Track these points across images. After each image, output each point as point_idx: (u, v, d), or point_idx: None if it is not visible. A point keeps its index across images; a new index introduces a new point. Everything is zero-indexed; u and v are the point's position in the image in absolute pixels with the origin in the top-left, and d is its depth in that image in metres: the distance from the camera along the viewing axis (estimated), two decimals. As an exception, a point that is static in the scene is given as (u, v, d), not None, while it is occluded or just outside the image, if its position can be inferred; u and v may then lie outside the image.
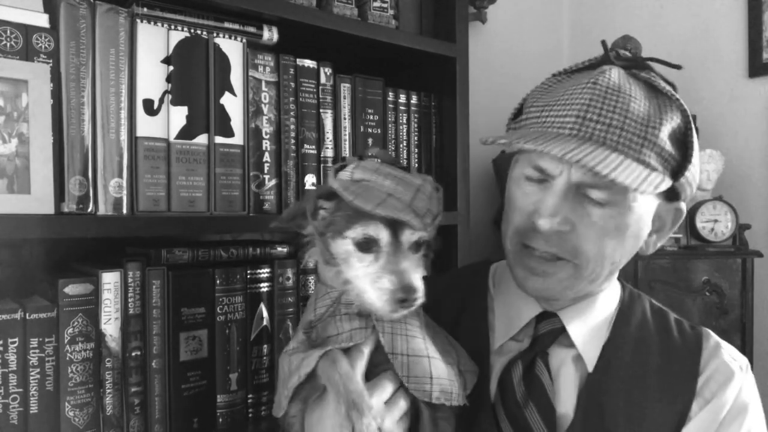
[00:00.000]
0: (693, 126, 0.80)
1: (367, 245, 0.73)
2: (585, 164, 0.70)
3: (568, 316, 0.85)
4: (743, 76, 1.96)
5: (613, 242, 0.78)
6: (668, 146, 0.76)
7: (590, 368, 0.83)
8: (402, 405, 0.74)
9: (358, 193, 0.72)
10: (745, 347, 1.69)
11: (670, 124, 0.77)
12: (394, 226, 0.72)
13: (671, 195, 0.82)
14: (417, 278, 0.72)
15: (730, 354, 0.84)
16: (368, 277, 0.73)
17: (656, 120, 0.76)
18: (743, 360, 0.84)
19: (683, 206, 0.85)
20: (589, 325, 0.85)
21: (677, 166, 0.78)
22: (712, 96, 2.03)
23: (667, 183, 0.75)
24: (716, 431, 0.79)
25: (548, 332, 0.85)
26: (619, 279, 0.93)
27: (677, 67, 0.84)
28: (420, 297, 0.71)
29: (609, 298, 0.89)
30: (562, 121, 0.76)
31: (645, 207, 0.80)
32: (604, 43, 0.85)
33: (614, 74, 0.78)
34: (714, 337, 0.86)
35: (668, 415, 0.79)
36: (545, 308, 0.86)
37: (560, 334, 0.85)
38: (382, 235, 0.72)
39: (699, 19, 2.06)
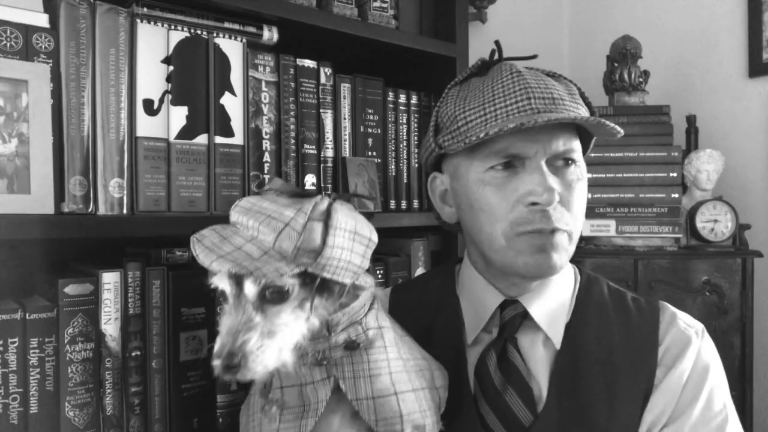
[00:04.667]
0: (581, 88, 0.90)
1: (223, 296, 0.68)
2: (573, 119, 0.78)
3: (527, 299, 0.89)
4: (743, 76, 1.96)
5: (583, 200, 0.86)
6: (584, 106, 0.87)
7: (557, 346, 0.87)
8: None
9: (208, 245, 0.66)
10: (745, 347, 1.69)
11: (576, 88, 0.88)
12: (240, 276, 0.65)
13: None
14: (245, 340, 0.63)
15: (685, 322, 0.89)
16: None
17: (570, 88, 0.86)
18: (698, 325, 0.89)
19: None
20: (549, 305, 0.89)
21: None
22: (712, 96, 2.03)
23: (619, 129, 0.84)
24: (681, 394, 0.83)
25: (512, 317, 0.89)
26: (576, 265, 0.97)
27: (533, 57, 0.94)
28: (242, 366, 0.63)
29: (564, 279, 0.92)
30: (516, 107, 0.81)
31: (584, 167, 0.89)
32: (497, 42, 0.93)
33: (517, 65, 0.88)
34: (670, 308, 0.91)
35: (636, 388, 0.83)
36: (506, 296, 0.90)
37: (524, 318, 0.89)
38: (226, 286, 0.67)
39: (699, 19, 2.06)
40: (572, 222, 0.83)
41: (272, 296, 0.65)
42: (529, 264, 0.83)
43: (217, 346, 0.64)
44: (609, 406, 0.82)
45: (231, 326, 0.65)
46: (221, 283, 0.67)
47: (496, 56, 0.92)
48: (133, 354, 0.98)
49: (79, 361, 0.93)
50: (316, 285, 0.67)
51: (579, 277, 0.95)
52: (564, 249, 0.84)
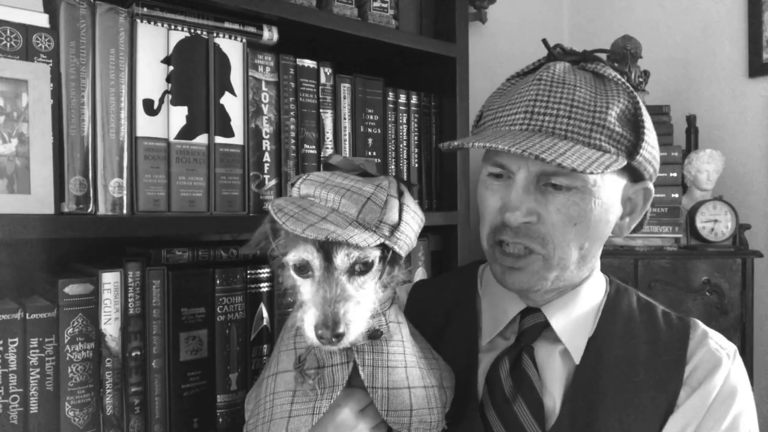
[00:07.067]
0: (642, 106, 0.82)
1: (304, 269, 0.70)
2: (530, 154, 0.72)
3: (550, 311, 0.87)
4: (743, 76, 1.96)
5: (578, 228, 0.80)
6: (618, 127, 0.79)
7: (577, 361, 0.84)
8: (374, 415, 0.76)
9: (292, 214, 0.68)
10: (745, 347, 1.69)
11: (618, 107, 0.80)
12: (328, 248, 0.67)
13: (635, 175, 0.84)
14: (346, 308, 0.67)
15: (717, 342, 0.85)
16: (305, 306, 0.69)
17: (602, 104, 0.79)
18: (731, 347, 0.85)
19: (650, 185, 0.88)
20: (572, 319, 0.86)
21: (632, 146, 0.80)
22: (712, 96, 2.02)
23: (621, 162, 0.78)
24: (704, 417, 0.79)
25: (532, 327, 0.87)
26: (606, 274, 0.95)
27: (608, 51, 0.91)
28: (347, 332, 0.66)
29: (592, 291, 0.90)
30: (513, 119, 0.80)
31: (610, 190, 0.82)
32: (545, 41, 0.89)
33: (558, 68, 0.83)
34: (701, 326, 0.87)
35: (656, 405, 0.81)
36: (528, 304, 0.88)
37: (544, 329, 0.87)
38: (313, 258, 0.68)
39: (699, 19, 2.06)
40: (549, 247, 0.80)
41: (360, 268, 0.69)
42: (498, 276, 0.85)
43: (319, 316, 0.66)
44: (626, 424, 0.79)
45: (329, 297, 0.67)
46: (307, 254, 0.68)
47: (551, 56, 0.88)
48: (133, 354, 0.98)
49: (79, 361, 0.93)
50: (389, 258, 0.72)
51: (608, 288, 0.92)
52: (536, 272, 0.81)
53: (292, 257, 0.70)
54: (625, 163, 0.79)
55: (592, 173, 0.74)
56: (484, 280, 0.98)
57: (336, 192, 0.70)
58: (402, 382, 0.75)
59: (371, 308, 0.71)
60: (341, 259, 0.68)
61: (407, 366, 0.76)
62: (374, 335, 0.75)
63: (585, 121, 0.78)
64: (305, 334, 0.68)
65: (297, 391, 0.74)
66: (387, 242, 0.70)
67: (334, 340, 0.66)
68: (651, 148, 0.83)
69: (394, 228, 0.71)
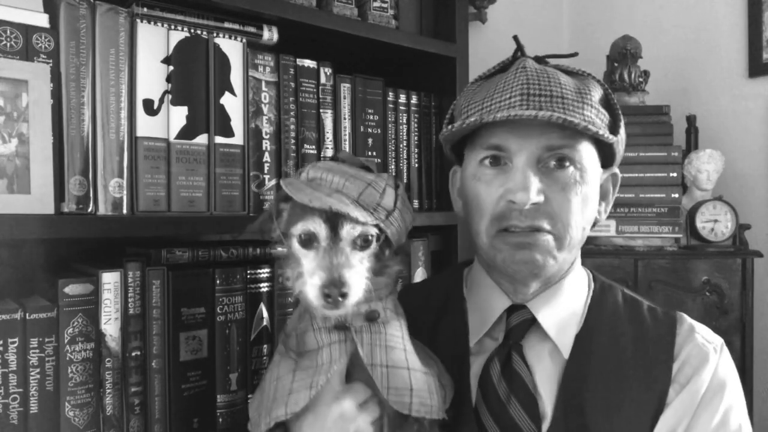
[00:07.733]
0: (611, 92, 0.87)
1: (308, 241, 0.74)
2: (558, 117, 0.75)
3: (536, 306, 0.87)
4: (743, 76, 1.96)
5: (580, 205, 0.82)
6: (601, 108, 0.84)
7: (566, 356, 0.84)
8: (374, 408, 0.76)
9: (300, 188, 0.74)
10: (745, 347, 1.69)
11: (596, 91, 0.84)
12: (335, 221, 0.72)
13: (604, 161, 0.88)
14: (350, 274, 0.71)
15: (703, 337, 0.85)
16: (307, 274, 0.73)
17: (584, 88, 0.83)
18: (717, 340, 0.85)
19: (617, 171, 0.92)
20: (558, 313, 0.86)
21: (611, 125, 0.85)
22: (712, 96, 2.03)
23: (611, 137, 0.82)
24: (694, 413, 0.79)
25: (519, 323, 0.87)
26: (591, 272, 0.95)
27: (573, 55, 0.94)
28: (350, 294, 0.70)
29: (576, 285, 0.90)
30: (508, 103, 0.81)
31: (594, 172, 0.85)
32: (515, 38, 0.92)
33: (533, 62, 0.86)
34: (687, 320, 0.87)
35: (646, 403, 0.80)
36: (514, 301, 0.88)
37: (531, 325, 0.87)
38: (320, 229, 0.72)
39: (699, 19, 2.06)
40: (559, 225, 0.81)
41: (361, 243, 0.74)
42: (507, 260, 0.83)
43: (325, 277, 0.71)
44: (618, 423, 0.79)
45: (334, 263, 0.71)
46: (315, 225, 0.73)
47: (519, 53, 0.91)
48: (133, 354, 0.98)
49: (79, 361, 0.93)
50: (382, 240, 0.76)
51: (593, 285, 0.92)
52: (547, 251, 0.81)
53: (299, 228, 0.74)
54: (614, 138, 0.82)
55: (603, 136, 0.79)
56: (469, 281, 0.97)
57: (341, 176, 0.76)
58: (401, 362, 0.76)
59: (365, 282, 0.74)
60: (347, 231, 0.72)
61: (406, 349, 0.78)
62: (371, 316, 0.77)
63: (576, 100, 0.81)
64: (308, 297, 0.72)
65: (296, 371, 0.76)
66: (382, 225, 0.74)
67: (340, 299, 0.69)
68: (623, 131, 0.87)
69: (389, 213, 0.76)
